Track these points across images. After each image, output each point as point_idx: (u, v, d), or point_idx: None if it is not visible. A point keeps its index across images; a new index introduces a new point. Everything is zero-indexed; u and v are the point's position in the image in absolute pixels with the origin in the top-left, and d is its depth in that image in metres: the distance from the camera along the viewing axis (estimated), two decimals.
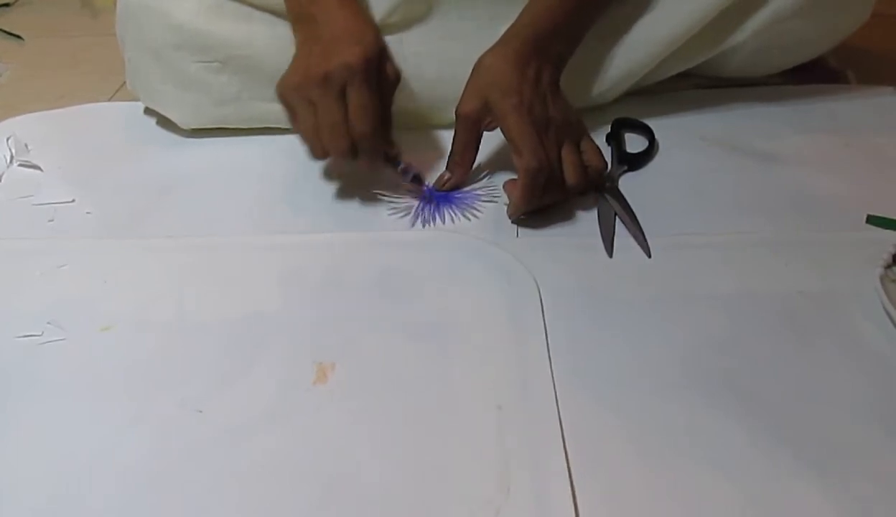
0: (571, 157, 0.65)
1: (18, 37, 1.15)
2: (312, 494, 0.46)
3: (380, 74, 0.67)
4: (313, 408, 0.51)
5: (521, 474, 0.46)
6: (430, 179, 0.71)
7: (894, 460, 0.46)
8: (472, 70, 0.67)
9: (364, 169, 0.68)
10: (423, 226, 0.67)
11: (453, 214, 0.68)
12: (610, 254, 0.63)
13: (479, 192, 0.71)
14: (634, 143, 0.77)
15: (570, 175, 0.65)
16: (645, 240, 0.64)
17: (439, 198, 0.70)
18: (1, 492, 0.47)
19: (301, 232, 0.67)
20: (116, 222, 0.70)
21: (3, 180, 0.76)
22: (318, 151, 0.66)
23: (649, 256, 0.63)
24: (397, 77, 0.69)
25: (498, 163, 0.73)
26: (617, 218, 0.67)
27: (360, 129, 0.64)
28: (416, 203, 0.70)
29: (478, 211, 0.69)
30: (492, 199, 0.70)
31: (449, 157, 0.70)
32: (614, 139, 0.76)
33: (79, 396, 0.53)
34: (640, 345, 0.55)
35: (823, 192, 0.69)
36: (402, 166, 0.69)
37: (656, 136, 0.77)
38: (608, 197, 0.68)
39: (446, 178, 0.70)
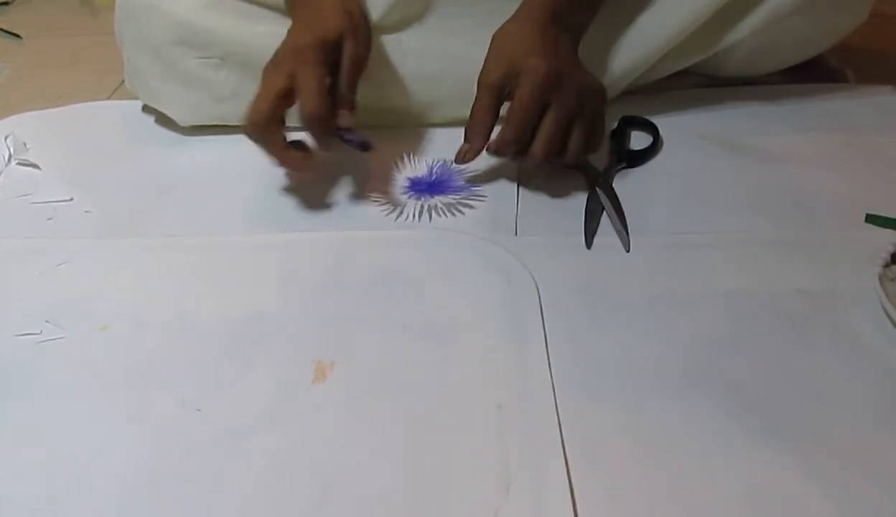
0: (580, 124, 0.65)
1: (17, 36, 1.15)
2: (312, 493, 0.46)
3: (337, 54, 0.67)
4: (312, 408, 0.51)
5: (520, 473, 0.46)
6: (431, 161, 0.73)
7: (894, 459, 0.46)
8: (493, 40, 0.67)
9: (318, 147, 0.69)
10: (417, 219, 0.67)
11: (445, 210, 0.68)
12: (588, 246, 0.64)
13: (473, 187, 0.71)
14: (637, 141, 0.77)
15: (540, 146, 0.65)
16: (627, 235, 0.64)
17: (433, 189, 0.70)
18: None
19: (300, 231, 0.67)
20: (115, 221, 0.70)
21: (1, 179, 0.76)
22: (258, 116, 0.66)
23: (627, 251, 0.63)
24: (358, 55, 0.68)
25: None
26: (604, 213, 0.67)
27: (309, 109, 0.64)
28: (407, 200, 0.70)
29: (471, 205, 0.69)
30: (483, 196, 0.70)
31: (467, 126, 0.68)
32: (617, 136, 0.76)
33: (77, 395, 0.53)
34: (639, 343, 0.55)
35: (822, 191, 0.69)
36: (344, 135, 0.68)
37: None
38: (599, 191, 0.68)
39: (465, 149, 0.68)
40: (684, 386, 0.51)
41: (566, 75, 0.64)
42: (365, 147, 0.68)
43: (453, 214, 0.68)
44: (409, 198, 0.70)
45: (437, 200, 0.70)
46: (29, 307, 0.60)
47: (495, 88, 0.66)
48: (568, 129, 0.66)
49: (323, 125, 0.66)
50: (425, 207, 0.69)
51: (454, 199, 0.70)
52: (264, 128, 0.66)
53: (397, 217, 0.68)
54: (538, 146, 0.65)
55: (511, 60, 0.65)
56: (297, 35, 0.67)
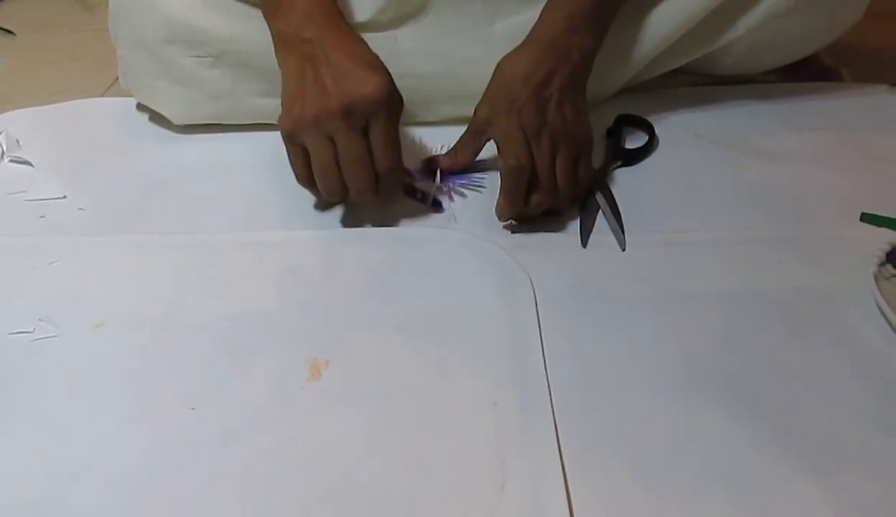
0: (561, 164, 0.64)
1: (11, 32, 1.14)
2: (307, 491, 0.46)
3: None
4: (307, 405, 0.51)
5: (516, 472, 0.46)
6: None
7: (892, 458, 0.47)
8: (496, 68, 0.66)
9: (383, 201, 0.66)
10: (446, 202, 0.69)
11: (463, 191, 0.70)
12: (584, 244, 0.64)
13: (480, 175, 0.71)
14: (632, 139, 0.77)
15: (560, 181, 0.64)
16: (623, 234, 0.64)
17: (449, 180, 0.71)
18: None
19: (295, 228, 0.67)
20: (109, 219, 0.70)
21: None
22: (335, 190, 0.62)
23: (623, 250, 0.63)
24: (402, 102, 0.64)
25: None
26: (600, 211, 0.67)
27: (388, 164, 0.62)
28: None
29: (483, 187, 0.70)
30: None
31: (453, 147, 0.70)
32: (613, 134, 0.76)
33: (71, 394, 0.53)
34: (635, 341, 0.55)
35: (818, 190, 0.69)
36: (420, 195, 0.69)
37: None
38: (595, 190, 0.69)
39: (445, 159, 0.70)
40: (680, 384, 0.51)
41: (538, 127, 0.63)
42: (438, 205, 0.69)
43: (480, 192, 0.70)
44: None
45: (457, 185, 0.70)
46: (22, 305, 0.60)
47: (476, 132, 0.67)
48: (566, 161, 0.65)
49: (399, 180, 0.66)
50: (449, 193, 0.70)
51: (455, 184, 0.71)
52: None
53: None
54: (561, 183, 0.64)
55: (493, 108, 0.65)
56: (348, 77, 0.60)
